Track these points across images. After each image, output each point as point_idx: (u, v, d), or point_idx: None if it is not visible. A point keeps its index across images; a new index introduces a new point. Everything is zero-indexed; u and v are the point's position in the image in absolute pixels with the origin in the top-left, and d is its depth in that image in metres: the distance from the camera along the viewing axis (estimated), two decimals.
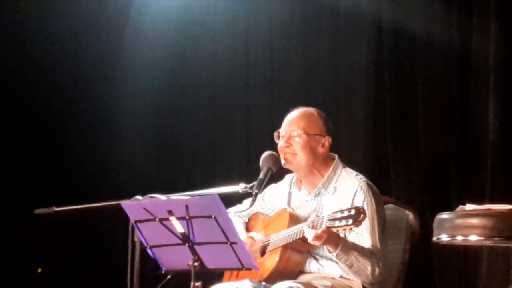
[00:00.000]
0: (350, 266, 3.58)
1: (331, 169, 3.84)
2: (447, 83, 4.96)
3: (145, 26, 6.36)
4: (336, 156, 3.90)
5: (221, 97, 6.11)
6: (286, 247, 3.72)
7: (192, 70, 6.26)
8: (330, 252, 3.58)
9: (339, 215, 3.41)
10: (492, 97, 4.73)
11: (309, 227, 3.50)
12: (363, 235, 3.64)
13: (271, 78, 5.85)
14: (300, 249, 3.70)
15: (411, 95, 5.10)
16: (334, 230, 3.42)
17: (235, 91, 6.02)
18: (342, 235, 3.54)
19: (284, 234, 3.71)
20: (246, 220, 4.09)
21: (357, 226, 3.37)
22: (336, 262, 3.64)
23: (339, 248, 3.52)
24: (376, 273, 3.59)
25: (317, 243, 3.49)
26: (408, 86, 5.13)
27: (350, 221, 3.36)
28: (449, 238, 3.41)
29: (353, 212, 3.38)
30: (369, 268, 3.58)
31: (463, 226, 3.34)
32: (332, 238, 3.49)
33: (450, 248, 4.69)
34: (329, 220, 3.42)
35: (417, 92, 5.07)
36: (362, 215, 3.36)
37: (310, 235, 3.47)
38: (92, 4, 6.35)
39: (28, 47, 6.27)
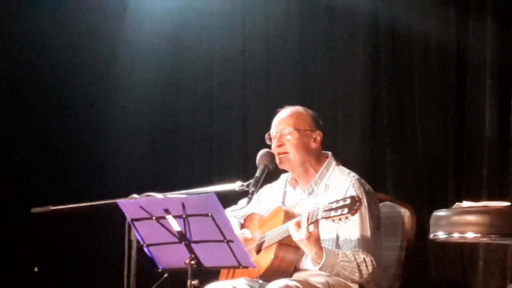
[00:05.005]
0: (337, 275, 3.59)
1: (324, 166, 3.85)
2: (444, 82, 4.97)
3: (142, 24, 6.35)
4: (330, 153, 3.90)
5: (218, 96, 6.11)
6: (281, 244, 3.72)
7: (188, 69, 6.25)
8: (314, 264, 3.57)
9: (334, 205, 3.40)
10: (489, 95, 4.74)
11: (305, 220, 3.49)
12: (353, 232, 3.64)
13: (267, 76, 5.85)
14: (295, 245, 3.69)
15: (408, 93, 5.10)
16: (330, 220, 3.41)
17: (232, 89, 6.02)
18: (338, 225, 3.54)
19: (279, 230, 3.71)
20: (242, 221, 4.08)
21: (352, 214, 3.36)
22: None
23: (323, 260, 3.51)
24: (365, 275, 3.59)
25: (302, 235, 3.47)
26: (405, 84, 5.13)
27: (346, 210, 3.36)
28: (446, 235, 3.42)
29: (348, 201, 3.37)
30: (357, 273, 3.58)
31: (460, 223, 3.35)
32: (315, 241, 3.48)
33: (447, 245, 4.70)
34: (325, 211, 3.42)
35: (414, 90, 5.08)
36: (357, 203, 3.36)
37: (292, 228, 3.47)
38: (89, 3, 6.34)
39: (24, 47, 6.26)
